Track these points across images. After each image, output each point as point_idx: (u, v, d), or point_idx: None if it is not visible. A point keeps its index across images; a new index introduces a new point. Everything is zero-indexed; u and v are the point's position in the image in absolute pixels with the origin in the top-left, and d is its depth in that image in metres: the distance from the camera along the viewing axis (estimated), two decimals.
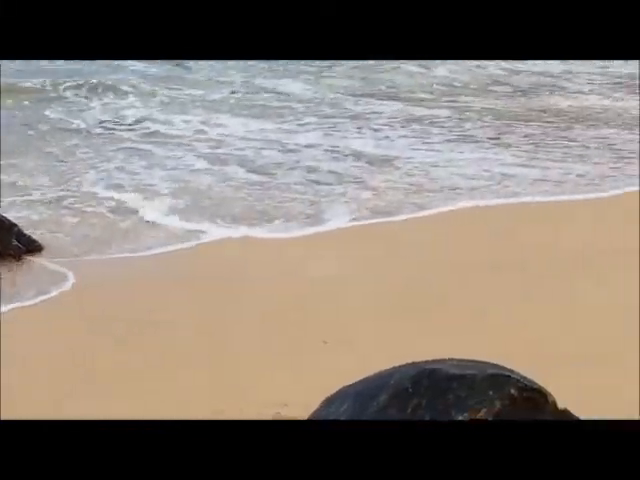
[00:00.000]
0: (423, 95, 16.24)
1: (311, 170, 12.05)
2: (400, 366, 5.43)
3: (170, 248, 9.37)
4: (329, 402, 5.52)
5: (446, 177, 12.30)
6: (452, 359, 5.44)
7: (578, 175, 12.45)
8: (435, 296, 8.64)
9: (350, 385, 5.52)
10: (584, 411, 3.63)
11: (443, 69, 17.76)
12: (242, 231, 9.94)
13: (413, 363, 5.43)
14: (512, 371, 5.20)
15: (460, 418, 4.88)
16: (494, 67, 18.07)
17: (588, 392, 5.98)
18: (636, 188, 11.66)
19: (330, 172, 12.25)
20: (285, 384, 6.82)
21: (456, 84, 17.19)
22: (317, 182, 11.77)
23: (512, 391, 4.96)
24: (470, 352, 5.60)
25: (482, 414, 4.87)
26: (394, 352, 6.73)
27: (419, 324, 8.27)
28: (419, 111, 15.32)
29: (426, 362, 5.41)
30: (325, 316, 8.58)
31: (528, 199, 11.57)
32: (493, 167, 12.98)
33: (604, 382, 6.26)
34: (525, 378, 5.12)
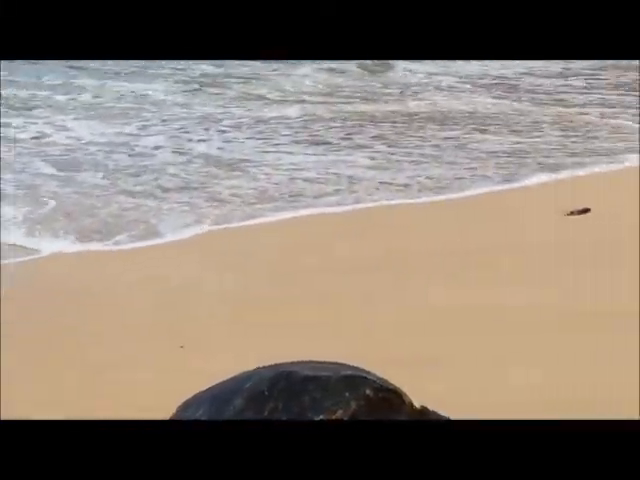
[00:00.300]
0: (273, 96, 16.47)
1: (158, 175, 12.05)
2: (257, 369, 5.50)
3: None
4: (186, 406, 5.47)
5: (290, 182, 12.52)
6: (310, 361, 5.52)
7: (428, 177, 12.87)
8: (288, 299, 8.83)
9: (206, 389, 5.53)
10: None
11: (305, 69, 18.09)
12: (85, 244, 9.87)
13: (270, 366, 5.46)
14: (368, 372, 5.35)
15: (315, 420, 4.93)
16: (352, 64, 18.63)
17: (444, 393, 6.08)
18: (487, 189, 12.26)
19: (176, 176, 12.32)
20: (145, 389, 6.94)
21: (308, 83, 17.54)
22: (163, 188, 11.78)
23: (367, 392, 5.09)
24: (327, 354, 5.66)
25: (338, 415, 4.97)
26: (251, 355, 6.96)
27: (273, 327, 8.46)
28: (268, 112, 15.59)
29: (283, 364, 5.44)
30: (179, 322, 8.74)
31: (375, 204, 11.91)
32: (342, 170, 13.24)
33: (457, 384, 6.50)
34: (380, 379, 5.26)
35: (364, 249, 9.92)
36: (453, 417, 5.05)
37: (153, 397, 6.75)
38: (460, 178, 12.73)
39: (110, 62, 17.28)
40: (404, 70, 19.13)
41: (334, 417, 4.98)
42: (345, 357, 5.61)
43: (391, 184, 12.60)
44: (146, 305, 9.05)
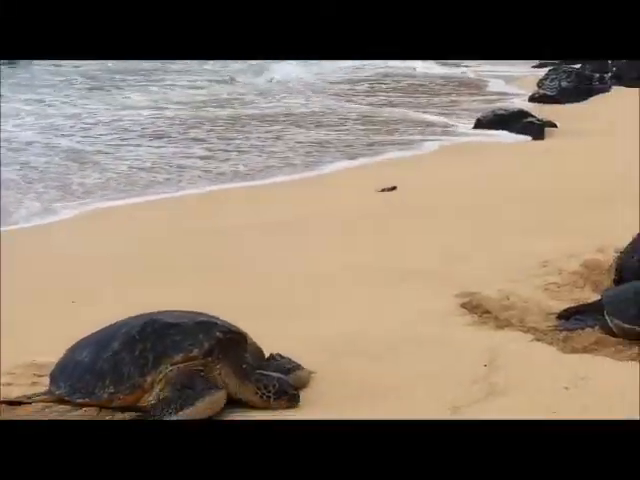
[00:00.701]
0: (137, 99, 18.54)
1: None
2: (130, 317, 6.09)
3: None
4: (72, 350, 6.12)
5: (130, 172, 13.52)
6: (172, 310, 6.09)
7: (245, 165, 14.22)
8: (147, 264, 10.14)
9: (89, 335, 6.14)
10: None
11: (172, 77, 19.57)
12: None
13: (140, 315, 6.06)
14: (218, 318, 5.95)
15: (177, 358, 5.61)
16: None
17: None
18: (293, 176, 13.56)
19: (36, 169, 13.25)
20: (40, 337, 7.63)
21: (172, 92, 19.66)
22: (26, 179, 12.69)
23: (218, 334, 5.74)
24: (191, 304, 6.42)
25: (194, 353, 5.65)
26: (128, 306, 7.90)
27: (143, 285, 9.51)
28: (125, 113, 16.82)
29: (151, 313, 6.04)
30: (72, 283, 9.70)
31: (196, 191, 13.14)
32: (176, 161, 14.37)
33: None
34: (229, 324, 5.89)
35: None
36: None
37: (46, 342, 7.32)
38: (270, 166, 14.11)
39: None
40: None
41: (190, 355, 5.60)
42: (205, 307, 6.30)
43: (212, 172, 13.88)
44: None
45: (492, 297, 7.90)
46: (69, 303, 8.94)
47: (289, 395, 5.61)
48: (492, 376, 5.96)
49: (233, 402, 5.66)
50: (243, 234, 12.77)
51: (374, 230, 12.05)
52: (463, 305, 7.83)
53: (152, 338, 5.75)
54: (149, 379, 5.64)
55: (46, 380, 6.41)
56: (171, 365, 5.64)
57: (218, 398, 5.55)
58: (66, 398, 5.79)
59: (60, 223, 12.86)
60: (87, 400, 5.71)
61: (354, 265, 9.86)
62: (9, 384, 6.39)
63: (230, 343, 5.79)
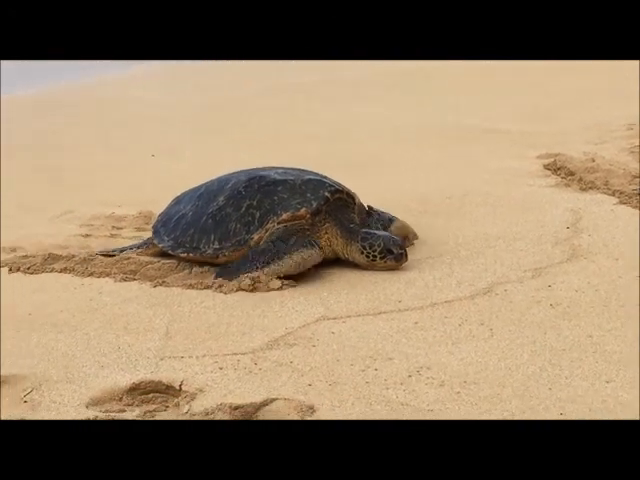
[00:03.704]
0: None
1: None
2: (234, 172, 5.97)
3: None
4: (178, 201, 6.05)
5: None
6: (277, 167, 5.98)
7: None
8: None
9: (194, 188, 6.06)
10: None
11: None
12: None
13: (245, 170, 5.95)
14: (326, 177, 5.84)
15: (284, 216, 5.50)
16: None
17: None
18: None
19: None
20: (118, 190, 7.79)
21: None
22: None
23: (326, 193, 5.60)
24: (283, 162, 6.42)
25: (302, 212, 5.52)
26: (214, 163, 7.98)
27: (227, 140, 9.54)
28: None
29: (256, 169, 5.94)
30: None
31: None
32: None
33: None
34: (337, 183, 5.77)
35: None
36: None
37: (126, 195, 7.61)
38: None
39: None
40: None
41: (297, 214, 5.50)
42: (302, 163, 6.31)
43: None
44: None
45: (577, 158, 7.77)
46: (148, 156, 9.04)
47: (395, 254, 5.46)
48: (575, 238, 5.89)
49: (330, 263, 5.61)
50: (319, 90, 12.75)
51: (454, 89, 11.90)
52: (547, 166, 7.73)
53: (259, 195, 5.62)
54: (255, 236, 5.53)
55: (125, 232, 6.56)
56: (278, 223, 5.52)
57: (309, 255, 5.42)
58: (170, 252, 5.74)
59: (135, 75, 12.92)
60: (191, 255, 5.64)
61: (432, 123, 9.80)
62: (87, 235, 6.48)
63: (338, 203, 5.67)
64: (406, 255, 5.51)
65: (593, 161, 7.61)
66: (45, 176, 8.41)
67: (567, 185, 7.15)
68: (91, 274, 5.66)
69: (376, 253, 5.47)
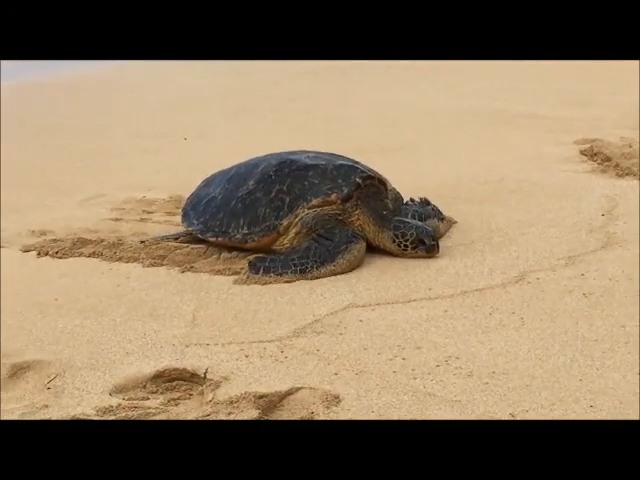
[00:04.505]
0: None
1: None
2: (264, 156, 5.88)
3: None
4: (207, 183, 5.98)
5: None
6: (307, 151, 5.89)
7: None
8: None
9: (223, 171, 5.99)
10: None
11: None
12: None
13: (275, 154, 5.85)
14: (357, 162, 5.73)
15: (314, 202, 5.41)
16: None
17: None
18: None
19: None
20: (149, 174, 7.77)
21: None
22: None
23: (357, 179, 5.50)
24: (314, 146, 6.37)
25: (332, 198, 5.43)
26: (244, 146, 7.94)
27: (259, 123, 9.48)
28: None
29: (286, 153, 5.83)
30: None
31: None
32: None
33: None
34: (368, 168, 5.66)
35: None
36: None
37: (158, 178, 7.62)
38: None
39: None
40: None
41: (328, 199, 5.41)
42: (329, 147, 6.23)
43: None
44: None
45: (614, 144, 7.65)
46: (180, 139, 9.02)
47: (427, 245, 5.36)
48: (610, 225, 5.78)
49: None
50: (352, 73, 12.67)
51: (489, 74, 11.78)
52: (583, 152, 7.61)
53: (289, 179, 5.53)
54: (285, 222, 5.44)
55: (155, 216, 6.52)
56: (308, 209, 5.43)
57: (359, 250, 5.32)
58: (199, 235, 5.66)
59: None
60: (219, 239, 5.57)
61: (467, 108, 9.71)
62: (118, 219, 6.45)
63: (370, 189, 5.56)
64: (438, 247, 5.41)
65: (630, 147, 7.48)
66: (76, 159, 8.40)
67: (603, 171, 7.03)
68: (119, 259, 5.62)
69: (408, 243, 5.38)
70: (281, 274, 5.21)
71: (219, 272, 5.33)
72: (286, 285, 5.10)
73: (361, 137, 8.62)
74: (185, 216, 5.84)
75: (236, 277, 5.24)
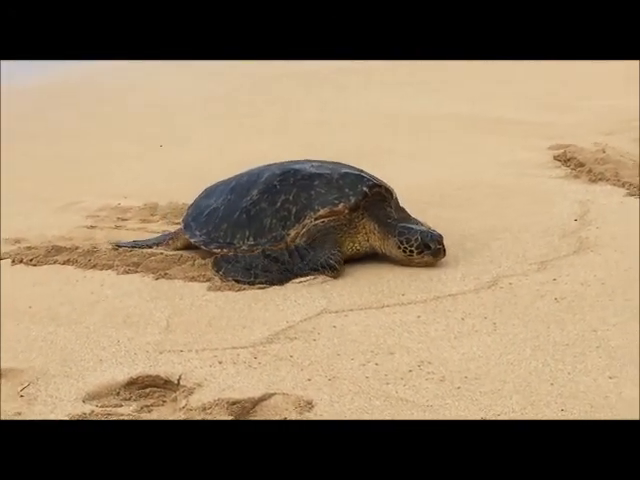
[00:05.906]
0: None
1: None
2: (266, 165, 5.82)
3: None
4: (208, 194, 5.91)
5: None
6: (309, 160, 5.83)
7: None
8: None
9: (224, 181, 5.93)
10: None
11: None
12: None
13: (278, 163, 5.81)
14: (362, 170, 5.69)
15: (321, 212, 5.36)
16: None
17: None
18: None
19: None
20: (125, 181, 7.81)
21: None
22: None
23: (364, 188, 5.45)
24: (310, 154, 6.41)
25: (340, 208, 5.38)
26: (224, 152, 7.96)
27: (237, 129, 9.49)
28: None
29: (288, 162, 5.79)
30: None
31: None
32: None
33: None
34: (374, 177, 5.63)
35: None
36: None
37: (131, 186, 7.62)
38: None
39: None
40: None
41: (336, 209, 5.37)
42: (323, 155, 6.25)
43: None
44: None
45: (587, 149, 7.70)
46: (156, 146, 9.01)
47: (432, 250, 5.29)
48: (582, 231, 5.82)
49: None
50: (333, 78, 12.69)
51: (468, 79, 11.83)
52: (557, 157, 7.66)
53: (295, 189, 5.47)
54: (292, 233, 5.40)
55: (130, 224, 6.51)
56: (315, 219, 5.38)
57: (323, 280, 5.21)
58: (202, 247, 5.61)
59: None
60: (224, 250, 5.48)
61: (445, 113, 9.74)
62: (93, 227, 6.44)
63: (376, 198, 5.52)
64: (444, 251, 5.34)
65: (603, 152, 7.53)
66: (54, 166, 8.40)
67: (576, 176, 7.08)
68: (94, 266, 5.62)
69: (413, 248, 5.31)
70: (238, 281, 5.19)
71: (193, 279, 5.33)
72: (260, 291, 5.11)
73: (339, 142, 8.65)
74: (187, 227, 5.78)
75: (210, 284, 5.24)
